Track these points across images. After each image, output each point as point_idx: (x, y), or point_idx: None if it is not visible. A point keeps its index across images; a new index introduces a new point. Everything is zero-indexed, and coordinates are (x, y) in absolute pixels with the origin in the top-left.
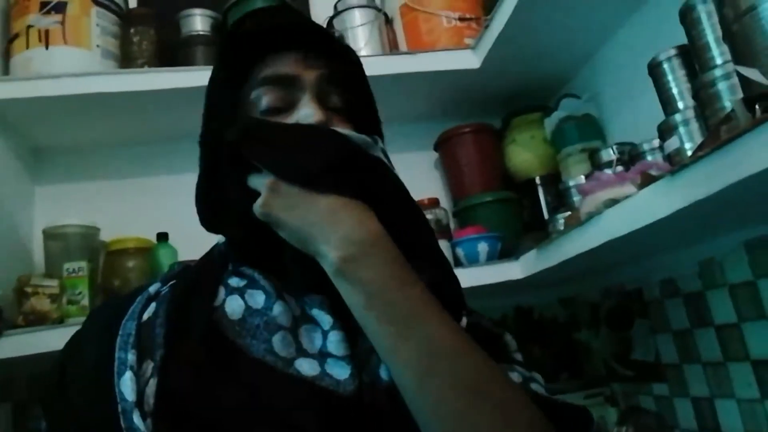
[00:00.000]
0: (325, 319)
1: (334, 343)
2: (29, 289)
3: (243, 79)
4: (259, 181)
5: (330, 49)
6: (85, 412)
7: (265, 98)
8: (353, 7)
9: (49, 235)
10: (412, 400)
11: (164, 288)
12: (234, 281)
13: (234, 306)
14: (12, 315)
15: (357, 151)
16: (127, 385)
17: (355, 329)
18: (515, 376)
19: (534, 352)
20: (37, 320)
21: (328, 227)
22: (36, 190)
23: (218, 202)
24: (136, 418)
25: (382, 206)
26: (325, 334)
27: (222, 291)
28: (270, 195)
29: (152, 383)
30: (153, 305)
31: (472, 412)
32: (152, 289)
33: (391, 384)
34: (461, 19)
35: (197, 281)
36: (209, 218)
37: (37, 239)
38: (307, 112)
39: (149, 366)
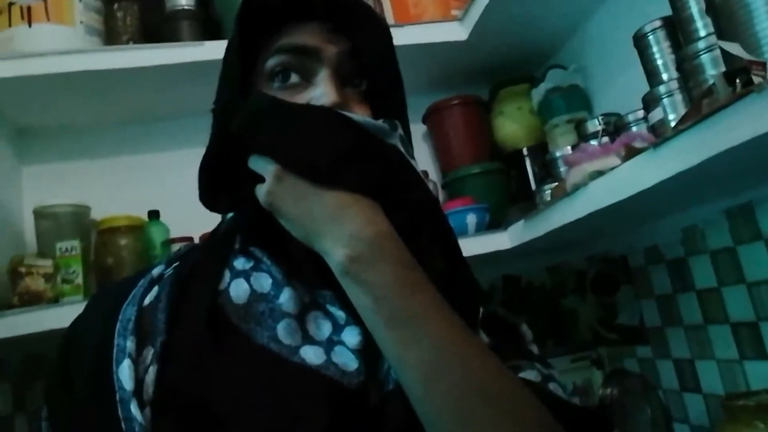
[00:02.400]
0: (340, 315)
1: (350, 335)
2: (23, 269)
3: (260, 47)
4: (264, 166)
5: (357, 21)
6: (85, 400)
7: (278, 67)
8: None
9: (40, 214)
10: (418, 405)
11: (168, 270)
12: (240, 263)
13: (239, 290)
14: (7, 295)
15: (370, 140)
16: (125, 374)
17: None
18: (533, 375)
19: (527, 319)
20: (32, 300)
21: (335, 224)
22: (23, 170)
23: (224, 178)
24: (134, 408)
25: (393, 199)
26: (340, 326)
27: (227, 274)
28: (275, 184)
29: (152, 371)
30: (155, 289)
31: (478, 419)
32: (155, 271)
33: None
34: None
35: (202, 264)
36: (212, 194)
37: (27, 219)
38: (322, 91)
39: (149, 353)
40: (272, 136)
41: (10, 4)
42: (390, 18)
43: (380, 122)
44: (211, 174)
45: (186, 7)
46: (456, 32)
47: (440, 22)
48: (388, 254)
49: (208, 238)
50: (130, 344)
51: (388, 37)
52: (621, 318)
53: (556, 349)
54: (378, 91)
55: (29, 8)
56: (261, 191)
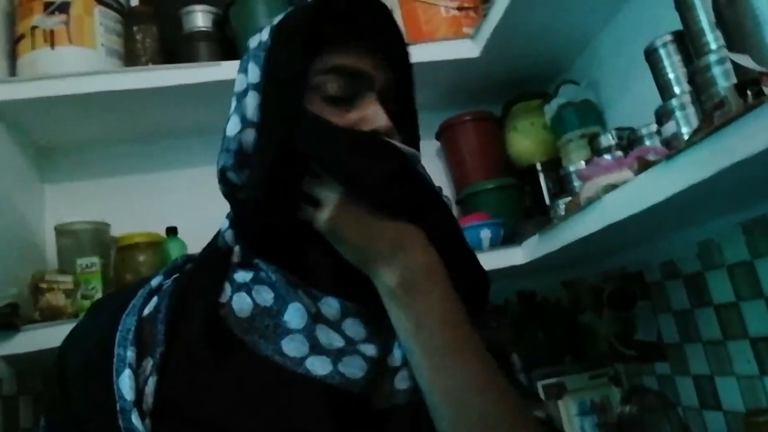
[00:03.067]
0: (357, 330)
1: (368, 347)
2: (44, 285)
3: (311, 55)
4: (325, 192)
5: (399, 52)
6: (84, 410)
7: (331, 86)
8: None
9: (61, 231)
10: (442, 426)
11: (167, 281)
12: (240, 276)
13: (242, 303)
14: (28, 311)
15: (414, 170)
16: (125, 384)
17: (387, 342)
18: (540, 413)
19: (538, 336)
20: (53, 315)
21: (395, 252)
22: (46, 188)
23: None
24: (135, 418)
25: (429, 225)
26: (354, 342)
27: (228, 287)
28: (338, 211)
29: (151, 382)
30: (155, 299)
31: None
32: (154, 282)
33: (410, 399)
34: (459, 9)
35: (201, 275)
36: (257, 201)
37: (49, 236)
38: (375, 115)
39: (149, 363)
40: (340, 162)
41: (34, 28)
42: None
43: (414, 151)
44: (265, 185)
45: (203, 29)
46: (468, 49)
47: (452, 39)
48: (436, 285)
49: (207, 249)
50: (130, 354)
51: (412, 69)
52: (639, 334)
53: (574, 366)
54: (404, 122)
55: (52, 32)
56: (321, 217)
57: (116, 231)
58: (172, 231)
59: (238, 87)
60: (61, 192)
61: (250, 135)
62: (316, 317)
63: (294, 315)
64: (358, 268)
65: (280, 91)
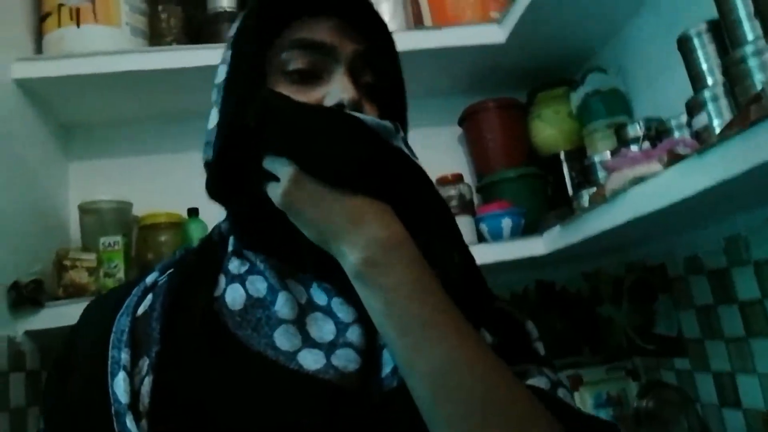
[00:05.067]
0: (346, 311)
1: (356, 334)
2: (68, 263)
3: (274, 35)
4: (280, 168)
5: (368, 22)
6: (81, 412)
7: (294, 62)
8: None
9: (85, 210)
10: (426, 411)
11: (162, 278)
12: (234, 266)
13: (235, 295)
14: (52, 287)
15: (380, 142)
16: (120, 387)
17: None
18: (543, 381)
19: (556, 326)
20: (76, 292)
21: (353, 228)
22: (70, 167)
23: (231, 168)
24: (129, 422)
25: (402, 200)
26: (344, 325)
27: (222, 279)
28: (293, 186)
29: (147, 381)
30: (149, 297)
31: (487, 428)
32: (149, 279)
33: (401, 383)
34: None
35: (196, 270)
36: (217, 183)
37: (73, 214)
38: (340, 87)
39: (145, 363)
40: (290, 138)
41: (60, 6)
42: (428, 20)
43: (387, 123)
44: (219, 168)
45: (228, 10)
46: (495, 35)
47: (479, 24)
48: (402, 258)
49: (202, 243)
50: (124, 356)
51: (392, 40)
52: (658, 328)
53: (591, 358)
54: (382, 93)
55: (78, 9)
56: (276, 192)
57: (139, 210)
58: (193, 212)
59: (218, 78)
60: (85, 170)
61: (214, 118)
62: (306, 305)
63: (284, 305)
64: (321, 246)
65: (237, 72)
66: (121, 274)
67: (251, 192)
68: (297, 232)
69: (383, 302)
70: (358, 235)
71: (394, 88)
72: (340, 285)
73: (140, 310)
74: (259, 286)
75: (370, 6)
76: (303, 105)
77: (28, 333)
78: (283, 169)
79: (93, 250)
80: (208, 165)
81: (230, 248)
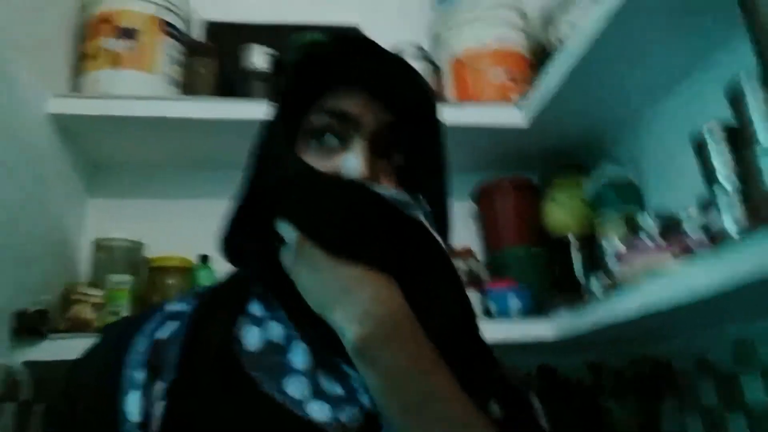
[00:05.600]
0: (355, 376)
1: (366, 398)
2: (75, 297)
3: (306, 103)
4: (287, 233)
5: (403, 89)
6: (88, 428)
7: (319, 128)
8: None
9: (98, 246)
10: None
11: (184, 308)
12: (256, 308)
13: (253, 338)
14: (56, 319)
15: (390, 212)
16: (133, 404)
17: None
18: None
19: (560, 414)
20: (79, 327)
21: (347, 298)
22: (90, 202)
23: (248, 233)
24: None
25: (413, 274)
26: (354, 390)
27: (242, 320)
28: (295, 250)
29: (160, 405)
30: (170, 324)
31: None
32: (170, 308)
33: None
34: (509, 78)
35: (218, 306)
36: (234, 247)
37: (86, 249)
38: (352, 162)
39: (161, 387)
40: (296, 204)
41: (101, 49)
42: (450, 95)
43: (404, 195)
44: (239, 224)
45: (260, 69)
46: (514, 117)
47: (500, 105)
48: (401, 335)
49: (226, 281)
50: (141, 376)
51: (432, 110)
52: (664, 429)
53: None
54: (414, 166)
55: (118, 54)
56: (284, 255)
57: (150, 252)
58: (204, 259)
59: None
60: (104, 207)
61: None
62: (321, 360)
63: (298, 354)
64: (321, 316)
65: (264, 135)
66: (124, 313)
67: (265, 251)
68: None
69: (381, 380)
70: (353, 306)
71: (428, 161)
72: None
73: (160, 335)
74: (278, 332)
75: (408, 75)
76: (314, 171)
77: (26, 363)
78: (289, 234)
79: (101, 287)
80: (227, 220)
81: (253, 290)
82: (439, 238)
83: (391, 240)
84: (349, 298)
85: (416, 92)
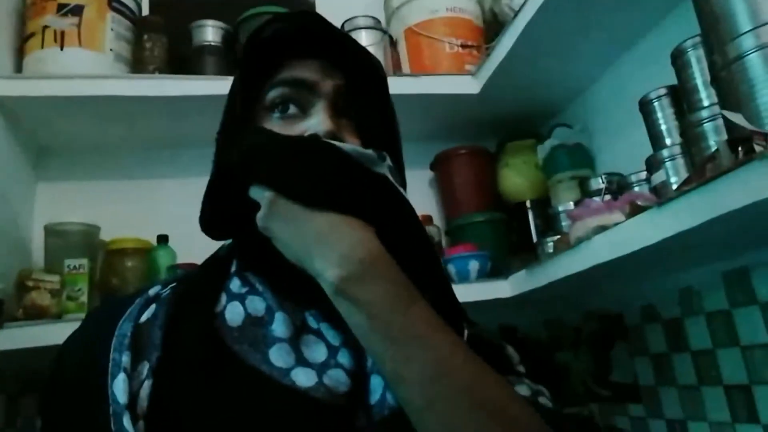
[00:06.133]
0: (334, 334)
1: (346, 357)
2: (30, 284)
3: (262, 82)
4: (260, 194)
5: (352, 57)
6: (79, 413)
7: (278, 99)
8: (360, 28)
9: (50, 231)
10: (417, 420)
11: (165, 291)
12: (235, 286)
13: (234, 313)
14: (12, 308)
15: (357, 166)
16: (119, 387)
17: (361, 349)
18: (523, 389)
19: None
20: (37, 314)
21: (326, 245)
22: (39, 187)
23: (224, 207)
24: (126, 422)
25: (382, 224)
26: (334, 348)
27: (223, 296)
28: (269, 209)
29: (146, 385)
30: (153, 307)
31: None
32: (152, 291)
33: (391, 412)
34: (463, 46)
35: (199, 285)
36: (214, 221)
37: (37, 235)
38: (317, 120)
39: (145, 367)
40: (266, 167)
41: (45, 27)
42: (406, 68)
43: (369, 151)
44: (213, 202)
45: (212, 44)
46: (469, 86)
47: (455, 75)
48: (380, 272)
49: (207, 262)
50: (125, 359)
51: (381, 75)
52: (615, 375)
53: None
54: (368, 125)
55: (63, 33)
56: (257, 217)
57: (106, 235)
58: (163, 239)
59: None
60: (54, 192)
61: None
62: (301, 327)
63: (280, 324)
64: (300, 267)
65: (228, 115)
66: (84, 298)
67: (242, 223)
68: (282, 260)
69: (365, 317)
70: (330, 251)
71: (383, 122)
72: (325, 310)
73: (143, 318)
74: (258, 305)
75: (356, 45)
76: (279, 136)
77: None
78: (262, 195)
79: (57, 272)
80: (204, 199)
81: (233, 269)
82: (403, 192)
83: (362, 190)
84: (327, 243)
85: (364, 59)
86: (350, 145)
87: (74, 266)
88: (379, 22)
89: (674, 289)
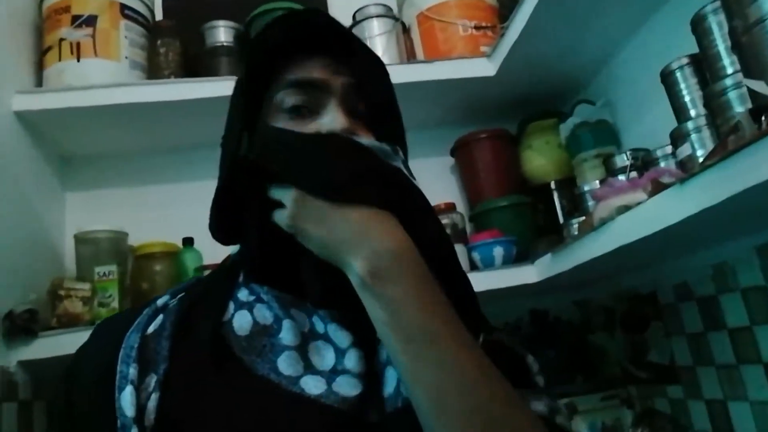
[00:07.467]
0: (342, 336)
1: (353, 360)
2: (62, 292)
3: (268, 82)
4: (283, 193)
5: (358, 55)
6: (88, 426)
7: (289, 101)
8: (372, 17)
9: (80, 239)
10: (426, 422)
11: (173, 301)
12: (243, 295)
13: (242, 321)
14: (46, 317)
15: (378, 160)
16: (126, 400)
17: (372, 346)
18: (540, 406)
19: (549, 355)
20: (70, 322)
21: (358, 239)
22: (66, 196)
23: (235, 210)
24: None
25: (403, 217)
26: (341, 351)
27: (231, 305)
28: (297, 207)
29: (154, 398)
30: (160, 318)
31: None
32: (160, 301)
33: (405, 404)
34: (477, 28)
35: (206, 295)
36: (224, 227)
37: (68, 244)
38: (331, 118)
39: (152, 380)
40: (289, 165)
41: (61, 40)
42: (420, 54)
43: (384, 145)
44: (223, 207)
45: (225, 44)
46: (485, 68)
47: (469, 58)
48: (407, 267)
49: (214, 271)
50: (132, 371)
51: (385, 70)
52: (651, 356)
53: (586, 386)
54: (377, 120)
55: (78, 44)
56: (282, 216)
57: (134, 240)
58: (188, 242)
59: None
60: (81, 200)
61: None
62: (309, 334)
63: (288, 332)
64: (330, 262)
65: (235, 110)
66: (115, 304)
67: (256, 224)
68: (299, 260)
69: (389, 313)
70: (362, 245)
71: (390, 117)
72: (339, 310)
73: (150, 329)
74: (265, 313)
75: (360, 43)
76: (299, 134)
77: (21, 363)
78: (286, 195)
79: (88, 280)
80: (213, 205)
81: (241, 278)
82: (418, 187)
83: (384, 183)
84: (360, 238)
85: (369, 54)
86: (367, 139)
87: (104, 273)
88: (390, 9)
89: (707, 266)
